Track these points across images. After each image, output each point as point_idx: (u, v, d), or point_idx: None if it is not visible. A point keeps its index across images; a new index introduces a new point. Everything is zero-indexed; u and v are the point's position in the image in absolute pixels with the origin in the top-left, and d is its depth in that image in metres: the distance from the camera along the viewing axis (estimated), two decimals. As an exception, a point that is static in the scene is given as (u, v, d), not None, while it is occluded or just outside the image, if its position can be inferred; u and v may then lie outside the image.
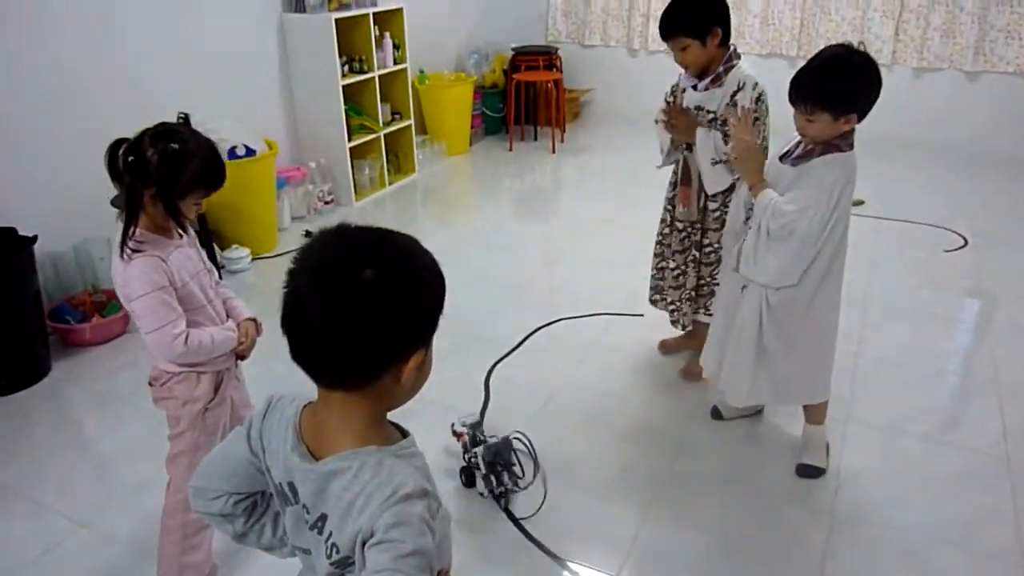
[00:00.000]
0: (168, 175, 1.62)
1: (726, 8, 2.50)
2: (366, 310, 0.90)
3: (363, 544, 0.91)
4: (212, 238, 3.77)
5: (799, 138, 2.13)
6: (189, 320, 1.73)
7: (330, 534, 0.97)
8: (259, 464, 1.08)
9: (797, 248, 2.07)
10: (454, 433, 2.44)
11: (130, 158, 1.60)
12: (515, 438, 2.47)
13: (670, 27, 2.47)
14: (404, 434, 1.05)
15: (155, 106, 3.56)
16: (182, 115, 1.76)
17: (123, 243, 1.64)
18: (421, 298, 0.94)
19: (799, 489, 2.34)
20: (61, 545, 2.19)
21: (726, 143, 2.44)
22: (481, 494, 2.34)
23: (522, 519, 2.24)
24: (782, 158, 2.17)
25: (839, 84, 1.96)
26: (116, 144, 1.61)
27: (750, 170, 2.19)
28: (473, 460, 2.34)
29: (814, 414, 2.44)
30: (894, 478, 2.38)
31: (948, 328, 3.32)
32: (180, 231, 1.75)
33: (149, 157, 1.60)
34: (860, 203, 4.69)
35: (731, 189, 2.56)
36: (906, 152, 5.69)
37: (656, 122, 2.70)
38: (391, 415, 1.04)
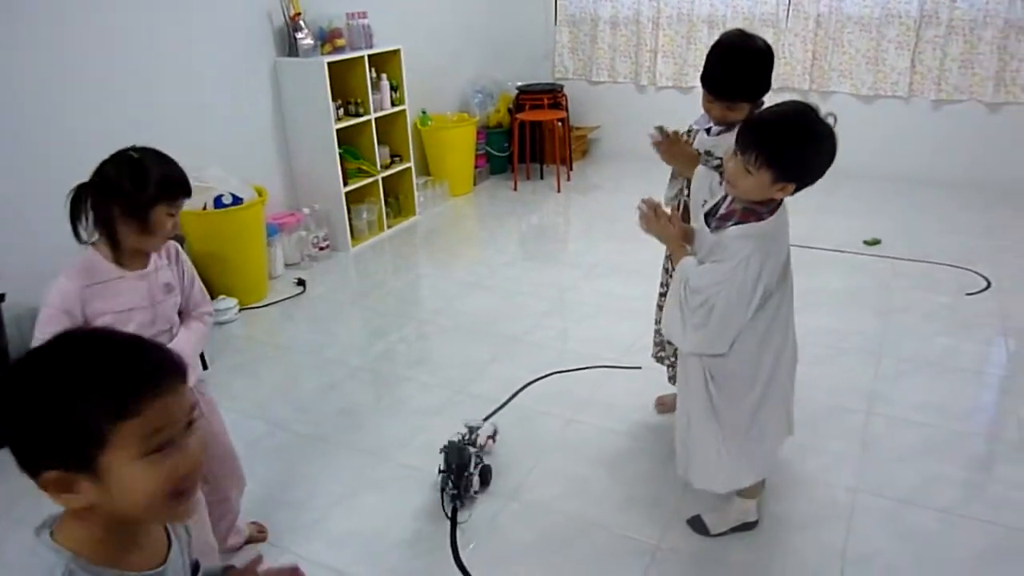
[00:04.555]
0: (133, 183, 1.68)
1: (770, 72, 2.21)
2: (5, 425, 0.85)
3: None
4: (197, 289, 3.66)
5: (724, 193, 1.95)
6: None
7: None
8: None
9: (719, 322, 1.89)
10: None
11: (95, 180, 1.69)
12: (476, 455, 2.50)
13: (732, 91, 2.16)
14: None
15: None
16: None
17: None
18: (29, 424, 0.84)
19: (802, 570, 2.12)
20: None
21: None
22: (441, 492, 2.45)
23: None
24: (707, 216, 1.99)
25: (792, 150, 1.75)
26: (78, 189, 1.70)
27: (666, 238, 2.05)
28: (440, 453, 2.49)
29: (748, 487, 2.21)
30: (907, 562, 2.14)
31: (971, 382, 3.08)
32: (147, 259, 1.83)
33: (109, 172, 1.69)
34: (876, 242, 4.49)
35: None
36: (924, 188, 5.47)
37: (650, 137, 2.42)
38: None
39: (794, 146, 1.75)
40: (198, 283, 2.02)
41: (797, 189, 1.81)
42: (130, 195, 1.69)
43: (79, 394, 0.83)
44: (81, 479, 0.85)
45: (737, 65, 2.16)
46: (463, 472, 2.43)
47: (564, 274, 4.35)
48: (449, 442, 2.51)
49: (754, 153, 1.75)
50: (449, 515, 2.39)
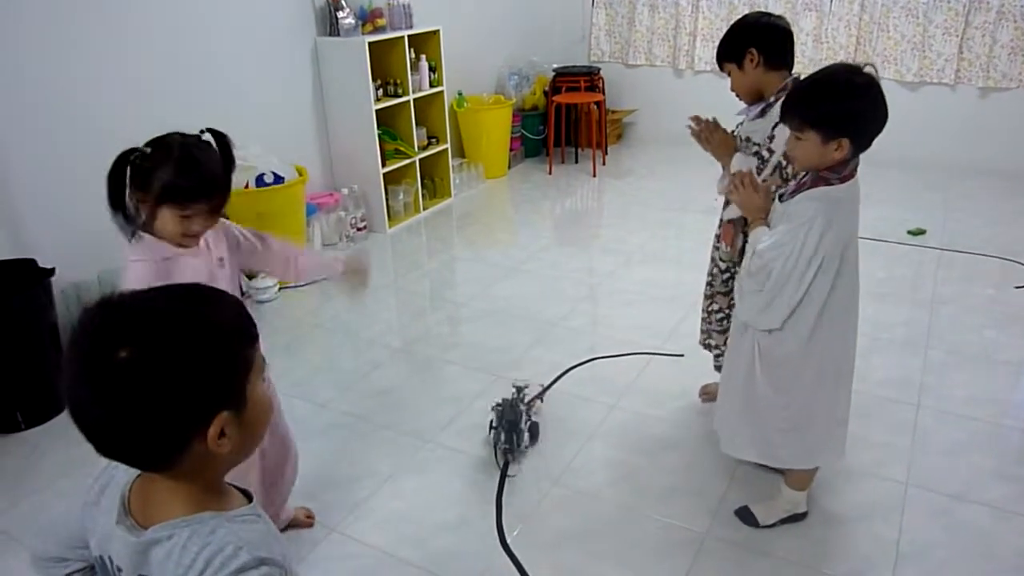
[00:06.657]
0: (139, 179, 1.64)
1: (769, 30, 2.26)
2: (132, 396, 0.82)
3: None
4: (238, 267, 3.68)
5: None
6: None
7: None
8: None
9: (774, 289, 1.88)
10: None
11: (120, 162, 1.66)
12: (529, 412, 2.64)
13: (718, 52, 2.33)
14: (249, 498, 0.98)
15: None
16: (204, 131, 1.74)
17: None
18: (197, 371, 0.85)
19: (856, 562, 2.10)
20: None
21: (759, 172, 2.24)
22: (494, 447, 2.57)
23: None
24: (780, 196, 1.98)
25: (832, 104, 1.76)
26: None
27: (749, 207, 2.04)
28: (492, 411, 2.61)
29: (797, 478, 2.20)
30: (959, 556, 2.11)
31: (1020, 376, 3.03)
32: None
33: (132, 158, 1.65)
34: (921, 232, 4.41)
35: None
36: (970, 177, 5.35)
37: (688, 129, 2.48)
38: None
39: (830, 99, 1.77)
40: (271, 240, 1.99)
41: (859, 144, 1.78)
42: (137, 191, 1.65)
43: (231, 329, 0.90)
44: (231, 417, 0.88)
45: (728, 31, 2.31)
46: (514, 428, 2.54)
47: (600, 260, 4.32)
48: (503, 399, 2.62)
49: (796, 118, 1.80)
50: (501, 468, 2.52)
